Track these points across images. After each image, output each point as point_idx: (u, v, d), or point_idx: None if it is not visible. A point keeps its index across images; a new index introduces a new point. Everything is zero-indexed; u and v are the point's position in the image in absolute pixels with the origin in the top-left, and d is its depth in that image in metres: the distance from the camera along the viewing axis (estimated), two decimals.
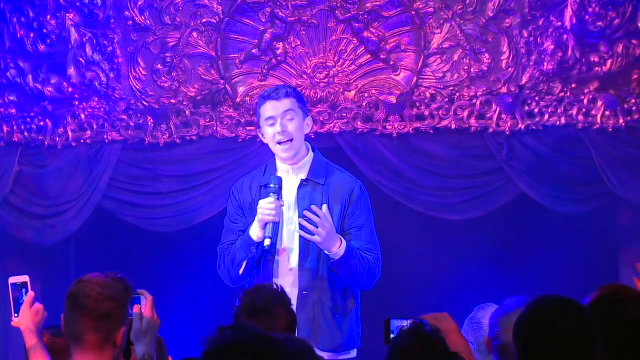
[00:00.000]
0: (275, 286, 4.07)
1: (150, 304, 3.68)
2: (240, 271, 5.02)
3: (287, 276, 5.07)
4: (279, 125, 5.11)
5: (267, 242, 4.96)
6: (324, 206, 4.99)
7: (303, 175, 5.13)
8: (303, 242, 5.05)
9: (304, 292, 5.04)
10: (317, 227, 4.90)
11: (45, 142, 6.84)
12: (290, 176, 5.15)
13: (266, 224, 4.96)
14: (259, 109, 5.21)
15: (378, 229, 6.76)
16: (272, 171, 5.17)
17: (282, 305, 3.97)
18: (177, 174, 6.80)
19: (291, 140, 5.11)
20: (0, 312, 6.90)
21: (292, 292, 4.99)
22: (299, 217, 5.01)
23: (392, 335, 2.88)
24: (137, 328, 3.64)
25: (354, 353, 5.18)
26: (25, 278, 3.92)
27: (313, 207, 4.96)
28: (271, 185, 5.02)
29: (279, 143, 5.12)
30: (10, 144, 6.88)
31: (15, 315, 3.86)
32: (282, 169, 5.17)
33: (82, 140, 6.83)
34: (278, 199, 4.98)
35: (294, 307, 4.63)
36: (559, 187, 6.59)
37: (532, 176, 6.58)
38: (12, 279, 3.93)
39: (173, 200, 6.81)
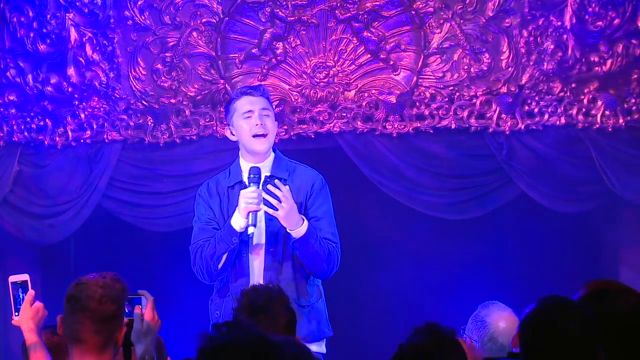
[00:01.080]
0: (272, 285, 4.08)
1: (151, 304, 3.68)
2: (220, 265, 5.06)
3: (257, 269, 5.11)
4: (257, 118, 5.14)
5: (252, 229, 5.03)
6: (286, 186, 5.04)
7: (267, 173, 5.16)
8: (269, 235, 5.09)
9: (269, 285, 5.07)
10: (280, 202, 4.94)
11: (45, 142, 6.84)
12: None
13: (249, 213, 4.98)
14: (232, 104, 5.21)
15: (378, 229, 6.77)
16: (237, 172, 5.19)
17: (281, 304, 3.98)
18: (177, 174, 6.80)
19: (266, 135, 5.13)
20: (0, 312, 6.91)
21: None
22: (263, 204, 5.04)
23: None
24: (138, 329, 3.64)
25: (323, 344, 5.19)
26: (25, 277, 3.92)
27: (276, 181, 5.01)
28: (251, 175, 5.07)
29: (255, 136, 5.13)
30: (10, 144, 6.88)
31: (16, 314, 3.86)
32: (247, 170, 5.17)
33: (82, 140, 6.83)
34: (257, 188, 5.03)
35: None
36: (559, 187, 6.58)
37: (532, 176, 6.58)
38: (12, 278, 3.93)
39: (173, 200, 6.81)
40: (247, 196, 5.00)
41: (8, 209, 6.88)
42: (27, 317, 3.77)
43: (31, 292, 3.84)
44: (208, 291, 6.71)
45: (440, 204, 6.69)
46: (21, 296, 3.86)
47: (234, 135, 5.23)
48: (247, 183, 5.08)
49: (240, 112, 5.18)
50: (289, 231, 5.02)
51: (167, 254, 6.94)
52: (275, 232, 5.09)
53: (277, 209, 4.98)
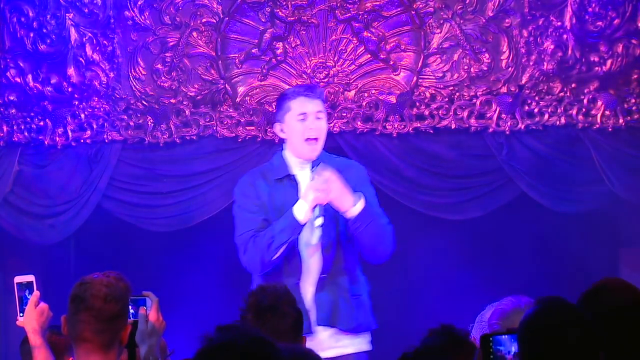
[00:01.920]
0: (279, 285, 4.09)
1: (155, 306, 3.68)
2: (277, 255, 5.00)
3: (310, 260, 5.08)
4: (311, 121, 5.10)
5: (319, 221, 4.98)
6: (329, 169, 5.01)
7: (319, 167, 5.14)
8: (324, 230, 5.06)
9: (322, 275, 5.06)
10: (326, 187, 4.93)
11: (45, 142, 6.84)
12: (304, 171, 5.17)
13: (317, 204, 4.96)
14: (286, 102, 5.14)
15: None
16: (284, 165, 5.14)
17: (288, 303, 3.99)
18: (177, 174, 6.80)
19: (318, 139, 5.11)
20: (0, 311, 6.91)
21: (313, 276, 5.06)
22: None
23: (492, 356, 2.85)
24: (143, 330, 3.64)
25: (368, 336, 5.20)
26: (30, 278, 3.91)
27: (321, 164, 4.99)
28: (318, 168, 5.02)
29: (308, 140, 5.11)
30: (10, 144, 6.88)
31: (21, 314, 3.85)
32: (295, 164, 5.15)
33: (82, 140, 6.83)
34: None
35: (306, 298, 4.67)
36: (559, 187, 6.59)
37: (532, 176, 6.58)
38: (18, 279, 3.92)
39: (173, 200, 6.81)
40: (317, 187, 4.95)
41: (8, 209, 6.88)
42: (31, 318, 3.76)
43: (36, 293, 3.83)
44: (208, 291, 6.72)
45: (440, 204, 6.69)
46: (27, 297, 3.85)
47: (283, 132, 5.17)
48: (315, 173, 5.01)
49: (295, 113, 5.10)
50: (344, 213, 4.96)
51: (167, 254, 6.94)
52: (329, 228, 5.05)
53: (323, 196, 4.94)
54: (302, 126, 5.09)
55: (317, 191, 4.94)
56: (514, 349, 2.86)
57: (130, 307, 3.64)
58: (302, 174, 5.14)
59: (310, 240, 5.07)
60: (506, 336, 2.90)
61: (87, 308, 3.40)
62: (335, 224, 5.07)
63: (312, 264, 5.07)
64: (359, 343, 5.13)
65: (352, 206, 4.95)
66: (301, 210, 4.96)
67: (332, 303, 5.07)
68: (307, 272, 5.06)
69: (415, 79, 6.66)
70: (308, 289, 5.07)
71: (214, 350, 2.27)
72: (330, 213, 5.03)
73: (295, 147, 5.14)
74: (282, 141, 6.44)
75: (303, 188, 5.08)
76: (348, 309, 5.08)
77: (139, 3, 6.76)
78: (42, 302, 3.81)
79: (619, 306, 3.08)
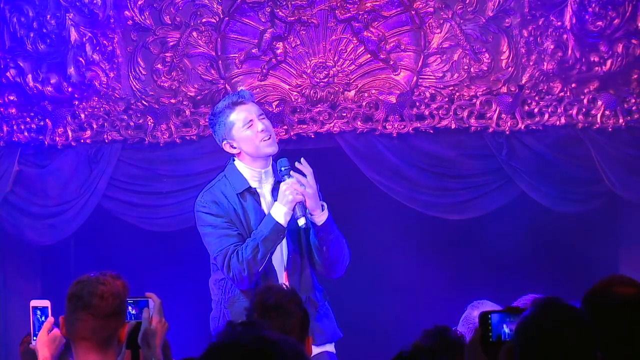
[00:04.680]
0: (285, 285, 4.09)
1: (158, 307, 3.68)
2: (263, 265, 5.00)
3: (278, 270, 5.09)
4: (259, 124, 5.08)
5: (303, 221, 4.95)
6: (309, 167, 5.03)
7: (272, 179, 5.13)
8: (290, 235, 5.07)
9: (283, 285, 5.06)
10: (307, 183, 4.93)
11: (45, 142, 6.84)
12: (264, 183, 5.15)
13: (295, 204, 4.95)
14: (226, 117, 5.09)
15: (377, 229, 6.76)
16: (241, 180, 5.11)
17: (294, 302, 3.99)
18: (177, 174, 6.80)
19: (271, 136, 5.10)
20: (0, 311, 6.92)
21: None
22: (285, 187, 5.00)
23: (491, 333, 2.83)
24: (146, 331, 3.65)
25: (333, 345, 5.20)
26: (46, 303, 3.89)
27: (302, 160, 4.99)
28: (283, 168, 5.00)
29: (263, 140, 5.08)
30: (10, 144, 6.88)
31: (34, 338, 3.84)
32: (250, 176, 5.12)
33: (82, 140, 6.83)
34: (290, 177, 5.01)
35: None
36: (559, 187, 6.59)
37: (532, 176, 6.58)
38: (34, 303, 3.91)
39: (173, 200, 6.81)
40: (292, 188, 4.94)
41: (8, 209, 6.88)
42: (42, 344, 3.74)
43: (50, 320, 3.80)
44: (208, 291, 6.71)
45: (440, 204, 6.69)
46: (42, 321, 3.84)
47: (234, 147, 5.12)
48: (284, 169, 4.99)
49: (241, 125, 5.08)
50: (312, 217, 4.97)
51: (167, 254, 6.94)
52: (296, 233, 5.05)
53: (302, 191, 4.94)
54: (253, 132, 5.07)
55: (295, 191, 4.94)
56: (508, 329, 2.85)
57: (132, 308, 3.65)
58: (263, 184, 5.11)
59: (282, 258, 5.08)
60: (504, 314, 2.89)
61: (84, 306, 3.42)
62: (298, 240, 5.08)
63: (285, 281, 5.07)
64: (326, 348, 5.14)
65: (322, 210, 4.97)
66: (280, 213, 4.96)
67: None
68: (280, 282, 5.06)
69: (415, 79, 6.66)
70: None
71: (217, 349, 2.27)
72: (293, 230, 5.02)
73: (252, 153, 5.10)
74: (283, 142, 6.44)
75: (267, 199, 5.08)
76: (321, 323, 5.09)
77: (139, 3, 6.76)
78: (55, 328, 3.80)
79: (627, 302, 3.08)
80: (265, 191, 5.13)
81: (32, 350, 4.38)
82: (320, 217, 4.99)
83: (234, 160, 5.16)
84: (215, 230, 5.09)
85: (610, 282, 3.19)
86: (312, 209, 4.97)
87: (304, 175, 4.96)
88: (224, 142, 5.15)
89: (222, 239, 5.07)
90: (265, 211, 5.08)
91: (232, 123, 5.10)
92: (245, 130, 5.09)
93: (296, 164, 4.98)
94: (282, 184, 5.00)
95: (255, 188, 5.11)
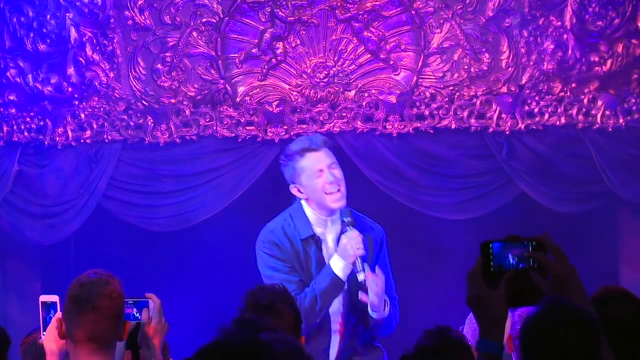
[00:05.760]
0: (277, 285, 4.08)
1: (158, 308, 3.68)
2: (320, 318, 4.97)
3: (335, 326, 5.10)
4: (329, 175, 5.01)
5: (362, 276, 4.90)
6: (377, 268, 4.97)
7: (338, 226, 5.06)
8: (347, 291, 5.04)
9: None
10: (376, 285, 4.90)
11: (45, 142, 6.83)
12: (329, 229, 5.10)
13: (356, 258, 4.89)
14: (296, 163, 5.04)
15: None
16: (306, 225, 5.05)
17: (286, 302, 3.99)
18: (177, 174, 6.80)
19: (340, 190, 5.04)
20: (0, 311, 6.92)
21: (336, 344, 5.09)
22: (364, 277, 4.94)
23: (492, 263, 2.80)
24: (146, 332, 3.65)
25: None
26: (54, 298, 3.88)
27: (377, 269, 4.93)
28: (348, 219, 4.95)
29: (330, 193, 5.02)
30: (10, 144, 6.87)
31: (43, 333, 3.84)
32: (317, 221, 5.06)
33: (82, 140, 6.83)
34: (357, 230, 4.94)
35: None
36: (559, 187, 6.59)
37: (532, 176, 6.58)
38: (42, 298, 3.90)
39: (173, 200, 6.80)
40: (354, 242, 4.87)
41: (8, 209, 6.88)
42: (51, 340, 3.74)
43: (58, 314, 3.81)
44: (208, 291, 6.71)
45: (440, 204, 6.69)
46: (50, 316, 3.84)
47: (301, 192, 5.06)
48: (349, 220, 4.95)
49: (309, 173, 5.03)
50: (373, 313, 4.94)
51: (167, 254, 6.94)
52: (353, 298, 5.03)
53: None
54: (321, 182, 5.01)
55: (356, 246, 4.87)
56: (513, 258, 2.82)
57: (134, 309, 3.65)
58: (327, 231, 5.08)
59: (339, 305, 5.04)
60: (505, 243, 2.86)
61: (94, 308, 3.41)
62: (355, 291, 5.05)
63: (336, 330, 5.07)
64: None
65: (383, 310, 4.95)
66: (339, 267, 4.91)
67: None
68: (334, 339, 5.07)
69: (415, 79, 6.66)
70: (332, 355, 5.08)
71: (207, 350, 2.29)
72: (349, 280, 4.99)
73: (317, 203, 5.05)
74: (283, 142, 6.43)
75: (329, 247, 5.04)
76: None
77: (139, 3, 6.76)
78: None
79: (620, 319, 3.06)
80: (329, 238, 5.08)
81: (32, 351, 4.39)
82: (381, 314, 4.96)
83: (300, 200, 5.09)
84: (276, 274, 5.02)
85: (604, 298, 3.16)
86: (376, 308, 4.93)
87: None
88: (292, 185, 5.09)
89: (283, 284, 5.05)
90: (327, 257, 5.04)
91: (301, 169, 5.05)
92: (314, 180, 5.02)
93: (375, 270, 4.91)
94: (342, 236, 4.94)
95: (318, 235, 5.06)
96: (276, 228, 5.11)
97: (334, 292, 4.94)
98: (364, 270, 4.90)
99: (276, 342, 2.69)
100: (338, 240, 5.04)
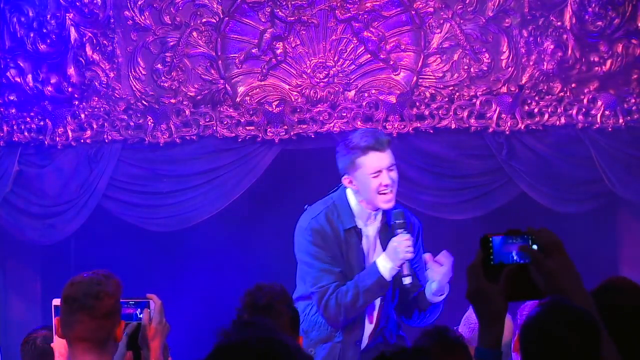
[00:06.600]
0: (275, 285, 4.08)
1: (159, 308, 3.68)
2: (359, 313, 4.96)
3: (366, 325, 5.12)
4: (386, 177, 4.98)
5: (408, 280, 4.89)
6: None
7: (380, 218, 5.04)
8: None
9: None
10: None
11: (45, 142, 6.83)
12: (372, 221, 5.08)
13: (404, 261, 4.88)
14: (357, 158, 5.00)
15: None
16: (349, 215, 5.01)
17: (284, 303, 3.99)
18: (177, 174, 6.80)
19: (393, 191, 5.01)
20: (0, 311, 6.92)
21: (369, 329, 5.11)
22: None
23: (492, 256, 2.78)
24: (146, 333, 3.65)
25: None
26: None
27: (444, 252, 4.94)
28: (400, 221, 4.92)
29: (382, 194, 4.98)
30: (10, 144, 6.88)
31: (55, 336, 3.84)
32: (361, 214, 5.03)
33: (82, 140, 6.83)
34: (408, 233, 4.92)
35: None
36: (559, 187, 6.59)
37: (532, 176, 6.58)
38: (56, 302, 3.91)
39: (173, 200, 6.81)
40: (404, 245, 4.85)
41: (8, 209, 6.88)
42: (61, 343, 3.75)
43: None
44: (208, 291, 6.71)
45: (440, 204, 6.69)
46: None
47: (352, 184, 5.01)
48: (400, 223, 4.92)
49: (368, 172, 4.97)
50: (435, 297, 4.92)
51: (167, 254, 6.94)
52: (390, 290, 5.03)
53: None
54: (376, 182, 4.98)
55: (406, 249, 4.85)
56: (513, 252, 2.80)
57: (137, 309, 3.65)
58: (369, 224, 5.06)
59: (373, 303, 5.04)
60: (505, 236, 2.85)
61: (81, 307, 3.43)
62: (391, 289, 5.05)
63: (370, 321, 5.09)
64: None
65: (443, 294, 4.94)
66: (386, 268, 4.88)
67: None
68: (366, 330, 5.08)
69: (415, 79, 6.66)
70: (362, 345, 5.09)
71: (223, 350, 2.26)
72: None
73: (367, 199, 5.01)
74: (283, 142, 6.42)
75: (370, 240, 5.03)
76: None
77: (139, 3, 6.76)
78: None
79: (627, 307, 3.06)
80: (369, 230, 5.05)
81: (32, 351, 4.40)
82: (438, 298, 4.94)
83: (346, 187, 5.05)
84: (316, 262, 4.99)
85: (610, 287, 3.16)
86: (437, 290, 4.89)
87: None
88: (345, 176, 5.04)
89: (322, 274, 4.97)
90: (365, 249, 5.02)
91: (360, 165, 5.00)
92: (370, 178, 4.98)
93: (438, 256, 4.91)
94: (393, 239, 4.90)
95: (360, 227, 5.03)
96: (320, 215, 5.04)
97: (377, 291, 4.92)
98: (410, 274, 4.87)
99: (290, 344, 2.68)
100: (378, 234, 5.03)
